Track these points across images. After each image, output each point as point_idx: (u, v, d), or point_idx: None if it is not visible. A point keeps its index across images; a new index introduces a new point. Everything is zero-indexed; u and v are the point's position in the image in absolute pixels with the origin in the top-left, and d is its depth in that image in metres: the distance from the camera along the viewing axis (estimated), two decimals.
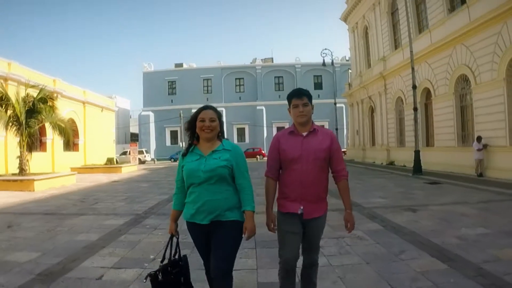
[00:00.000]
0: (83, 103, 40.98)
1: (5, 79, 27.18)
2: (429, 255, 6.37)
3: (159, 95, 75.33)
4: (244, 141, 72.87)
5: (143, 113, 75.68)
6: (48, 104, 23.01)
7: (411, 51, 23.04)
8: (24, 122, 21.38)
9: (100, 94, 48.60)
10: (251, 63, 79.47)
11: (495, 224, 8.71)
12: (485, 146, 19.29)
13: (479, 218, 9.43)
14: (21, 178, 19.62)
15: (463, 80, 22.02)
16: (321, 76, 72.24)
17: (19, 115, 21.19)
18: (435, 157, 24.45)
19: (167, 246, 3.97)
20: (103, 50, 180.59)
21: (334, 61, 62.79)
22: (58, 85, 34.61)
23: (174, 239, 4.01)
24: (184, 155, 3.94)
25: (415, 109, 22.79)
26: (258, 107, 74.24)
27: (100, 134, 45.03)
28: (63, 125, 24.36)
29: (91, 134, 41.94)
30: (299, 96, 4.12)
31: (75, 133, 36.20)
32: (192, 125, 3.98)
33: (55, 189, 19.82)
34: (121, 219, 10.47)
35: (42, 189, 19.41)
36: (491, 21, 18.69)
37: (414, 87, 22.87)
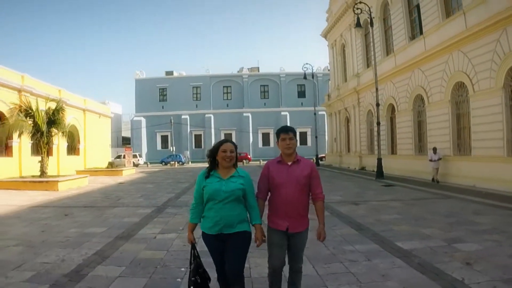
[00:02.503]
0: (84, 110, 43.97)
1: (19, 91, 30.24)
2: (350, 227, 10.30)
3: (150, 101, 78.57)
4: None
5: (135, 118, 78.70)
6: (61, 115, 26.43)
7: (376, 74, 26.84)
8: (45, 131, 24.81)
9: (95, 100, 51.49)
10: (238, 72, 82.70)
11: (409, 213, 12.54)
12: (440, 159, 21.99)
13: (401, 209, 13.27)
14: (47, 180, 23.01)
15: (420, 99, 25.71)
16: (304, 85, 75.19)
17: (41, 125, 24.52)
18: (397, 164, 28.10)
19: (191, 253, 4.70)
20: (96, 56, 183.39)
21: (317, 70, 66.54)
22: (63, 94, 37.57)
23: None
24: (206, 177, 4.61)
25: (378, 123, 26.49)
26: (244, 114, 77.61)
27: (98, 139, 47.90)
28: (75, 133, 27.93)
29: (90, 139, 44.66)
30: (286, 132, 4.73)
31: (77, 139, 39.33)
32: (213, 153, 4.66)
33: (74, 189, 23.02)
34: (148, 209, 14.22)
35: (64, 189, 22.58)
36: (442, 51, 22.28)
37: (378, 104, 26.59)
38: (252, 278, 6.49)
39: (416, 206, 14.12)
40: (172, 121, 72.79)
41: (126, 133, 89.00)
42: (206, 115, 78.31)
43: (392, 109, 30.23)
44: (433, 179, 22.28)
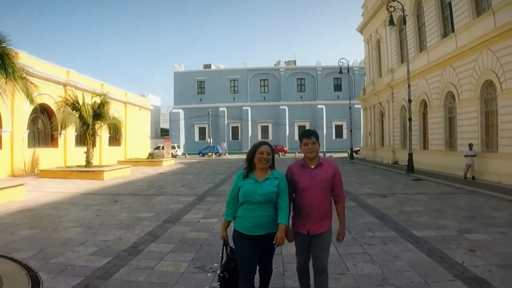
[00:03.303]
0: (125, 103, 46.08)
1: (65, 85, 32.25)
2: (373, 217, 11.37)
3: (188, 94, 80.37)
4: (268, 138, 77.00)
5: (174, 110, 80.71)
6: (105, 108, 28.02)
7: (408, 71, 27.43)
8: (91, 125, 26.37)
9: (134, 93, 53.31)
10: (275, 65, 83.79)
11: (431, 206, 13.47)
12: (475, 155, 21.74)
13: (424, 203, 14.18)
14: (93, 170, 24.65)
15: (451, 96, 26.20)
16: (340, 78, 74.69)
17: (87, 118, 26.10)
18: (428, 159, 28.71)
19: (223, 249, 4.88)
20: (137, 51, 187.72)
21: (354, 64, 67.05)
22: (106, 88, 39.59)
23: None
24: (245, 177, 4.74)
25: (410, 119, 27.08)
26: (281, 107, 78.69)
27: (138, 131, 49.92)
28: (118, 126, 29.48)
29: (131, 131, 46.40)
30: (308, 136, 4.80)
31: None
32: (251, 155, 4.78)
33: (118, 178, 24.52)
34: (190, 198, 15.55)
35: (109, 178, 24.10)
36: (472, 49, 22.73)
37: (410, 101, 27.14)
38: (283, 255, 7.46)
39: (440, 200, 14.96)
40: (210, 113, 74.76)
41: (164, 125, 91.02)
42: (243, 108, 79.65)
43: (424, 105, 30.76)
44: (465, 177, 21.95)
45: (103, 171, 24.27)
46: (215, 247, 8.02)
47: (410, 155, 26.53)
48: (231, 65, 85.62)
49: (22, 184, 16.17)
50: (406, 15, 29.27)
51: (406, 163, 27.46)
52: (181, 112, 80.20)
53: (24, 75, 18.69)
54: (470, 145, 21.81)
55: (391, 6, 27.85)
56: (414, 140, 29.86)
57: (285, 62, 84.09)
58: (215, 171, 30.46)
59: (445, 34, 27.40)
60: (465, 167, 22.05)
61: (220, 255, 4.96)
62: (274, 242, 4.54)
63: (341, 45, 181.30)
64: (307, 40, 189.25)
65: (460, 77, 24.57)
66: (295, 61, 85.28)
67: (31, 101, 19.06)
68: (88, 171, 24.54)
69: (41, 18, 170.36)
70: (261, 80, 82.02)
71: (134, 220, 11.02)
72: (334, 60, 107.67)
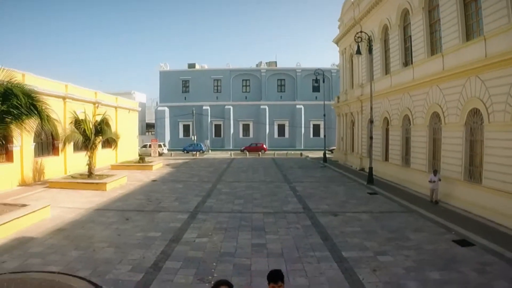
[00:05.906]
0: (115, 107, 49.79)
1: (64, 98, 35.87)
2: (319, 238, 15.20)
3: (173, 92, 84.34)
4: (249, 136, 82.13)
5: (159, 108, 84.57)
6: (106, 124, 31.89)
7: (371, 94, 31.33)
8: (92, 139, 30.15)
9: (122, 91, 56.50)
10: (256, 66, 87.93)
11: (368, 226, 17.07)
12: (439, 180, 22.51)
13: (364, 223, 17.73)
14: (97, 182, 28.07)
15: (407, 119, 29.88)
16: (319, 80, 77.59)
17: (89, 134, 29.81)
18: (388, 170, 32.76)
19: None
20: (124, 48, 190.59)
21: (333, 66, 70.85)
22: (99, 96, 43.93)
23: None
24: None
25: (371, 138, 31.20)
26: (261, 106, 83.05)
27: (127, 132, 53.01)
28: (116, 139, 33.16)
29: (121, 133, 49.01)
30: (275, 281, 5.07)
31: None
32: None
33: (118, 188, 27.99)
34: (185, 215, 19.20)
35: (110, 188, 27.43)
36: (424, 83, 26.25)
37: (371, 121, 31.19)
38: None
39: (378, 220, 18.28)
40: (194, 111, 79.15)
41: (149, 118, 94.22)
42: (226, 107, 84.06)
43: (387, 122, 34.48)
44: (431, 200, 22.85)
45: (106, 183, 27.56)
46: (209, 264, 11.94)
47: (370, 169, 30.33)
48: (214, 65, 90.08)
49: (48, 205, 19.31)
50: (372, 41, 32.92)
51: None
52: (167, 110, 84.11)
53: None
54: (435, 171, 22.87)
55: (358, 37, 31.47)
56: (377, 151, 34.08)
57: (266, 63, 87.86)
58: (201, 179, 33.58)
59: (406, 63, 30.75)
60: (429, 192, 23.15)
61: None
62: None
63: (322, 46, 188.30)
64: (289, 42, 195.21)
65: (415, 104, 28.09)
66: (275, 62, 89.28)
67: (56, 135, 22.44)
68: (92, 183, 27.86)
69: (26, 18, 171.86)
70: (243, 80, 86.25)
71: (148, 240, 14.69)
72: (314, 62, 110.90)
